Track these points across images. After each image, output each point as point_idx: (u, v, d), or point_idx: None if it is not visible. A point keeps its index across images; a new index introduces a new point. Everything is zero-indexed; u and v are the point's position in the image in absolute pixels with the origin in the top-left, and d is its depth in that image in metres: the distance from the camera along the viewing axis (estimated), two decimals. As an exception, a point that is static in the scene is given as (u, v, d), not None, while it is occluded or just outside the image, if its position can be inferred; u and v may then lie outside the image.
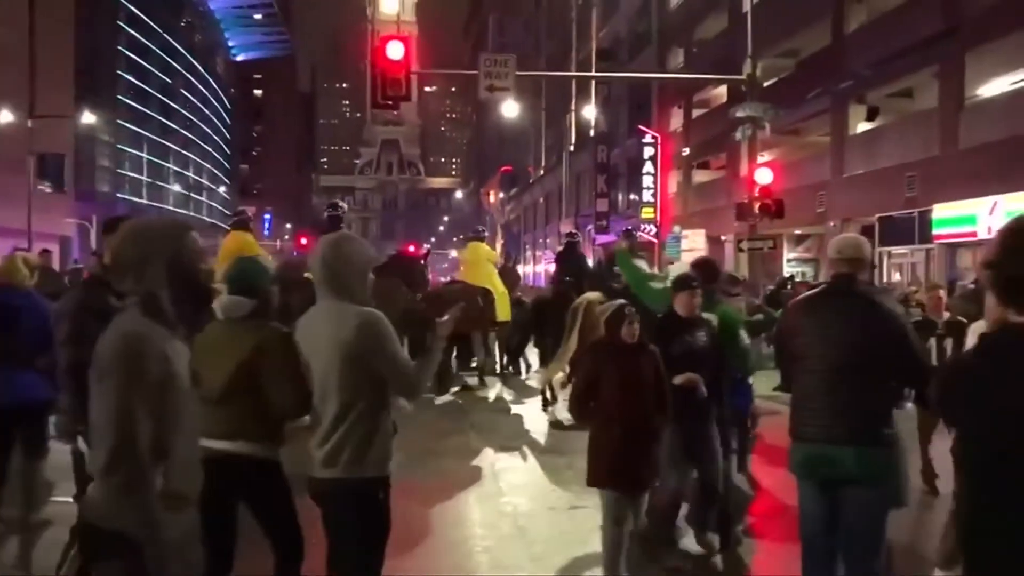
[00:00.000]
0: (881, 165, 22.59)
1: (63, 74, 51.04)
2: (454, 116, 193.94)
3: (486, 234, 17.83)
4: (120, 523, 2.39)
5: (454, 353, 13.60)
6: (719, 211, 29.51)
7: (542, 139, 57.81)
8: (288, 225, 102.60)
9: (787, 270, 26.25)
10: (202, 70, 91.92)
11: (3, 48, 42.54)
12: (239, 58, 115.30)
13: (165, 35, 77.05)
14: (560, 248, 15.98)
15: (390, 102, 16.75)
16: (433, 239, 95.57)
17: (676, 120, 37.94)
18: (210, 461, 3.69)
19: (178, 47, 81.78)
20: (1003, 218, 15.47)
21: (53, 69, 47.94)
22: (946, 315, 7.61)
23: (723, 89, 30.34)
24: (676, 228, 31.87)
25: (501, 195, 71.31)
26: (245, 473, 3.78)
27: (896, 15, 22.08)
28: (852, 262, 4.15)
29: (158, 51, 75.46)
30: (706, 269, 6.32)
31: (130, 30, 68.61)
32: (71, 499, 5.40)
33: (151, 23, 72.54)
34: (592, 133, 43.87)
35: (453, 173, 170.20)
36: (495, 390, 13.52)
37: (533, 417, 11.37)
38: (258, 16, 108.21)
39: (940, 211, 19.99)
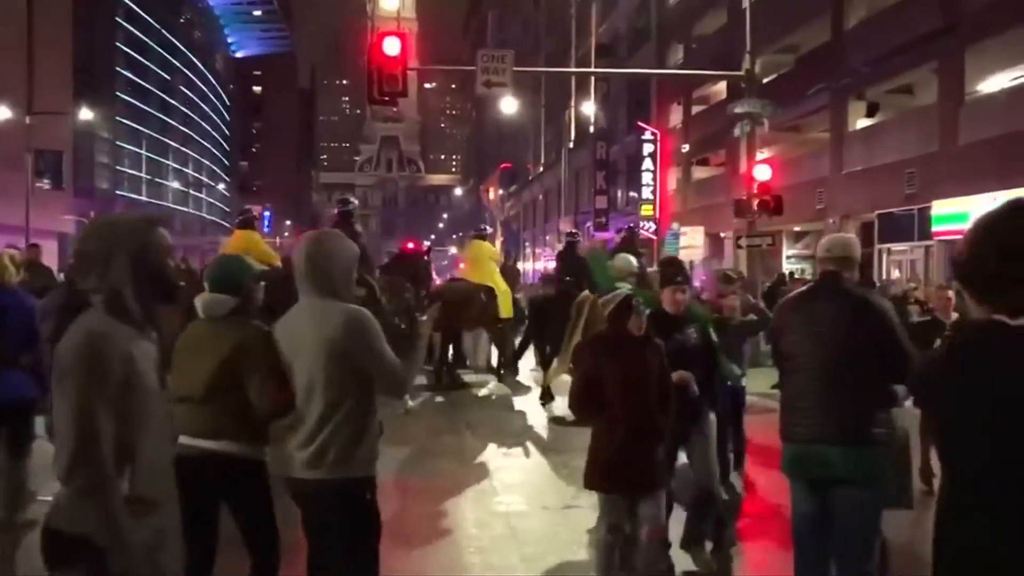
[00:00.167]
0: (880, 161, 22.52)
1: (61, 70, 51.01)
2: (454, 113, 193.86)
3: (489, 231, 17.79)
4: (83, 528, 2.30)
5: (450, 351, 13.57)
6: (719, 208, 29.42)
7: (541, 136, 57.73)
8: (288, 222, 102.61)
9: (786, 267, 26.17)
10: (201, 67, 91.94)
11: (1, 45, 42.51)
12: (238, 55, 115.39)
13: (164, 32, 77.05)
14: (560, 247, 15.96)
15: (387, 98, 16.67)
16: (433, 236, 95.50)
17: (675, 117, 37.84)
18: (194, 459, 3.67)
19: (177, 44, 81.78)
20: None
21: (51, 66, 47.92)
22: (954, 316, 7.54)
23: (723, 85, 30.24)
24: (675, 225, 31.81)
25: (500, 192, 71.26)
26: (228, 472, 3.71)
27: (895, 11, 22.01)
28: (841, 261, 4.11)
29: (157, 48, 75.45)
30: (667, 268, 6.23)
31: (128, 27, 68.57)
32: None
33: (150, 20, 72.50)
34: (591, 130, 43.78)
35: (453, 170, 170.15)
36: (491, 388, 13.47)
37: (529, 415, 11.34)
38: (257, 12, 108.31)
39: (939, 207, 19.92)
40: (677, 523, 5.58)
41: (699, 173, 36.02)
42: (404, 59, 15.98)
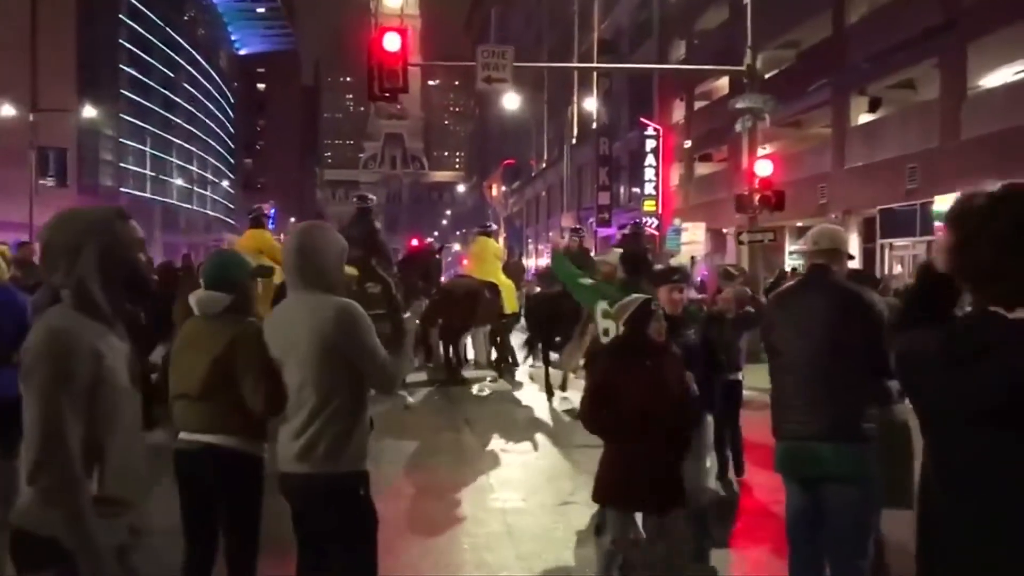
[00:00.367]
0: (882, 157, 22.46)
1: (65, 68, 51.09)
2: (457, 110, 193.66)
3: (494, 228, 17.79)
4: (51, 530, 2.25)
5: (451, 348, 13.56)
6: (721, 204, 29.35)
7: (544, 132, 57.67)
8: (292, 219, 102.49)
9: (789, 263, 26.10)
10: (205, 64, 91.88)
11: (5, 42, 42.57)
12: (242, 52, 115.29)
13: (168, 29, 76.99)
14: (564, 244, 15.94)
15: (387, 94, 16.63)
16: (436, 233, 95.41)
17: (678, 112, 37.76)
18: (193, 454, 3.69)
19: (181, 41, 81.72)
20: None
21: (55, 63, 48.01)
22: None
23: (725, 81, 30.18)
24: (676, 221, 31.74)
25: (503, 188, 71.17)
26: (226, 466, 3.70)
27: (897, 6, 21.93)
28: (828, 253, 4.06)
29: (161, 45, 75.39)
30: (631, 260, 6.15)
31: (132, 24, 68.53)
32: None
33: (153, 17, 72.48)
34: (594, 126, 43.71)
35: (456, 167, 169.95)
36: (491, 384, 13.44)
37: (528, 412, 11.31)
38: (261, 10, 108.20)
39: (941, 203, 19.82)
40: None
41: (701, 169, 35.94)
42: (404, 55, 15.94)
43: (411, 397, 11.30)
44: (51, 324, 2.35)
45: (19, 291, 5.68)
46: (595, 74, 41.71)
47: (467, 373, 13.84)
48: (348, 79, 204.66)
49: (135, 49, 69.34)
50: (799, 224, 27.76)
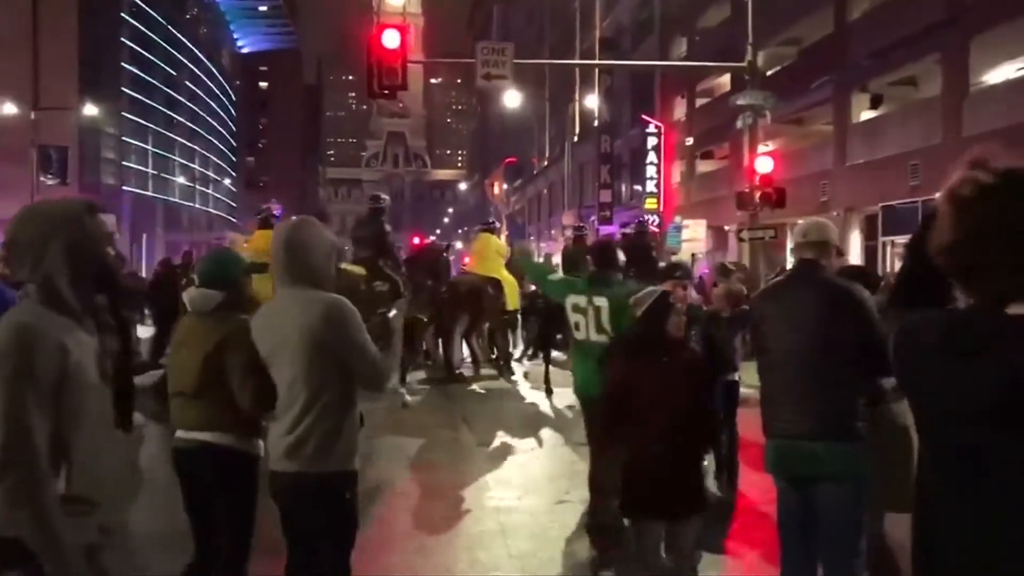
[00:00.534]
0: (884, 154, 22.40)
1: (67, 66, 51.06)
2: (459, 108, 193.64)
3: (497, 226, 17.81)
4: (17, 530, 2.20)
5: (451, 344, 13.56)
6: (722, 201, 29.29)
7: (545, 130, 57.66)
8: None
9: (791, 260, 26.07)
10: (207, 62, 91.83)
11: (6, 40, 42.58)
12: (244, 50, 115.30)
13: (170, 27, 76.98)
14: (567, 241, 16.00)
15: (387, 91, 16.59)
16: (438, 231, 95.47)
17: (679, 110, 37.72)
18: (190, 452, 3.70)
19: (183, 39, 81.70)
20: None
21: (56, 61, 48.00)
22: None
23: (727, 78, 30.12)
24: (677, 218, 31.66)
25: (505, 186, 71.14)
26: (222, 463, 3.71)
27: (898, 2, 21.87)
28: (817, 246, 4.00)
29: (163, 43, 75.38)
30: (599, 253, 6.05)
31: (134, 22, 68.52)
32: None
33: (155, 15, 72.46)
34: (595, 123, 43.66)
35: (459, 165, 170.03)
36: (490, 382, 13.41)
37: (527, 409, 11.28)
38: (263, 8, 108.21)
39: (943, 201, 19.79)
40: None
41: (703, 166, 35.89)
42: (403, 52, 15.91)
43: (409, 396, 11.27)
44: (15, 320, 2.30)
45: (7, 287, 5.63)
46: (596, 71, 41.58)
47: (466, 372, 13.80)
48: (350, 77, 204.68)
49: (137, 47, 69.30)
50: (800, 222, 27.74)
